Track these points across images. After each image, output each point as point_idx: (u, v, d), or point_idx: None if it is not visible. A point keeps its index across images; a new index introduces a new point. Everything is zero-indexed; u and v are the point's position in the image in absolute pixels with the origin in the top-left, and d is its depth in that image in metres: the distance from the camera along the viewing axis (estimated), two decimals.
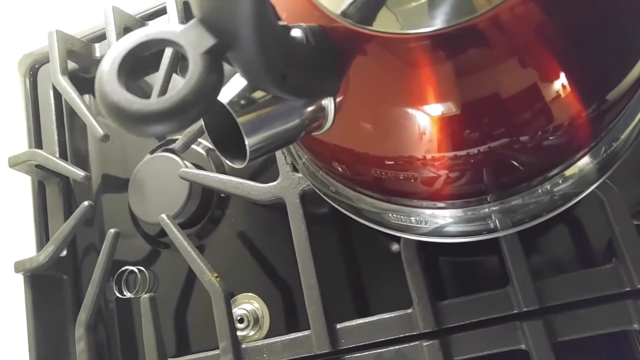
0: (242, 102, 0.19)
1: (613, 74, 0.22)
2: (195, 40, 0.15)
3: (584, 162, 0.25)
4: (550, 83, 0.20)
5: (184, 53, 0.16)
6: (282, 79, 0.17)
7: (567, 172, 0.25)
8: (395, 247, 0.34)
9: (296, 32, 0.19)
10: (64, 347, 0.39)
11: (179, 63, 0.40)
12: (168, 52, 0.36)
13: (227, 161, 0.21)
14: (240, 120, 0.19)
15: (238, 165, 0.20)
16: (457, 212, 0.26)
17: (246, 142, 0.19)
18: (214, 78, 0.15)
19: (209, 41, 0.15)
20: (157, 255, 0.40)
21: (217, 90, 0.15)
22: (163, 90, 0.33)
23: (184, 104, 0.15)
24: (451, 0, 0.19)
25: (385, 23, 0.20)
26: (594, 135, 0.24)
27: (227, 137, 0.21)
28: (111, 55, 0.16)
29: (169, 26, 0.16)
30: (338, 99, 0.21)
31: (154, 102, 0.15)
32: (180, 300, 0.39)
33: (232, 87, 0.19)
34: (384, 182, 0.24)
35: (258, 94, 0.19)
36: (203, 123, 0.20)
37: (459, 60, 0.20)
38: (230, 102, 0.19)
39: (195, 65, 0.15)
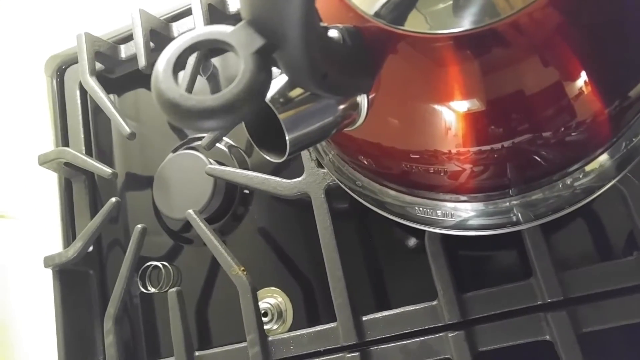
0: (282, 99, 0.20)
1: (634, 72, 0.22)
2: (245, 41, 0.16)
3: (604, 157, 0.25)
4: (572, 81, 0.21)
5: (234, 52, 0.16)
6: (323, 78, 0.18)
7: (588, 167, 0.25)
8: (412, 241, 0.35)
9: (333, 33, 0.20)
10: (91, 339, 0.40)
11: (202, 63, 0.41)
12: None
13: (266, 156, 0.21)
14: (281, 116, 0.19)
15: (276, 160, 0.21)
16: (480, 206, 0.27)
17: (287, 138, 0.20)
18: (264, 76, 0.16)
19: (258, 42, 0.16)
20: (180, 250, 0.41)
21: (267, 88, 0.16)
22: (189, 89, 0.33)
23: (237, 100, 0.15)
24: (477, 4, 0.20)
25: (415, 23, 0.20)
26: (615, 131, 0.24)
27: (263, 133, 0.22)
28: (166, 55, 0.16)
29: (219, 27, 0.17)
30: (371, 96, 0.22)
31: (209, 99, 0.16)
32: (202, 294, 0.40)
33: (273, 86, 0.20)
34: (409, 175, 0.25)
35: (296, 92, 0.20)
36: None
37: (485, 60, 0.20)
38: (272, 100, 0.20)
39: (246, 64, 0.16)
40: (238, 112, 0.16)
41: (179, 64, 0.16)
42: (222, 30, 0.17)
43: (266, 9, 0.16)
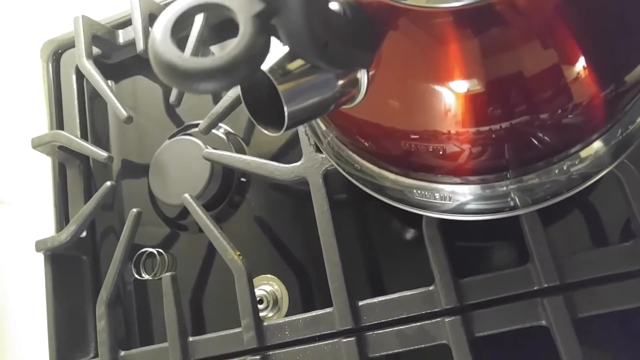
0: (281, 71, 0.20)
1: (632, 56, 0.22)
2: (244, 4, 0.16)
3: (599, 144, 0.25)
4: (571, 63, 0.21)
5: (233, 16, 0.16)
6: (323, 47, 0.18)
7: (583, 153, 0.25)
8: (409, 233, 0.35)
9: (334, 5, 0.20)
10: (83, 325, 0.39)
11: (203, 42, 0.41)
12: (193, 35, 0.37)
13: (263, 129, 0.21)
14: (280, 88, 0.19)
15: (273, 134, 0.21)
16: (477, 189, 0.27)
17: (285, 110, 0.20)
18: (263, 40, 0.16)
19: (258, 5, 0.16)
20: (176, 237, 0.41)
21: (266, 52, 0.16)
22: (195, 54, 0.33)
23: (236, 62, 0.15)
24: None
25: None
26: (611, 117, 0.24)
27: (261, 107, 0.21)
28: (164, 18, 0.16)
29: None
30: (370, 73, 0.22)
31: (208, 60, 0.15)
32: (197, 282, 0.39)
33: (271, 57, 0.20)
34: (408, 155, 0.25)
35: (296, 64, 0.20)
36: (240, 91, 0.21)
37: (485, 37, 0.20)
38: (271, 70, 0.19)
39: (245, 27, 0.16)
40: (236, 74, 0.15)
41: (177, 27, 0.16)
42: None
43: None
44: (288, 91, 0.20)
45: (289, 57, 0.20)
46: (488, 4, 0.19)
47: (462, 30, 0.20)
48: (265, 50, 0.16)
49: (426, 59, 0.22)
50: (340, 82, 0.21)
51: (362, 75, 0.22)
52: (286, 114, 0.20)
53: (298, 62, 0.20)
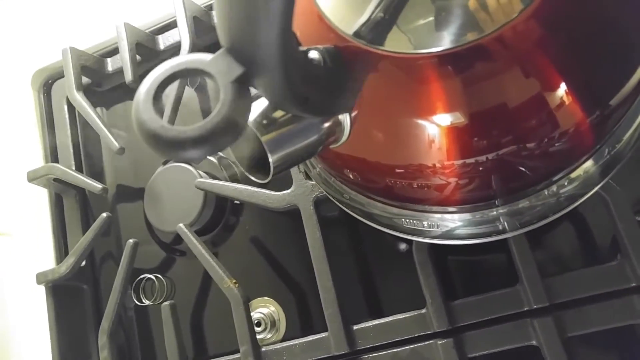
0: (265, 122, 0.20)
1: (615, 81, 0.23)
2: (224, 69, 0.16)
3: (589, 164, 0.26)
4: (555, 93, 0.21)
5: (214, 82, 0.17)
6: (304, 101, 0.18)
7: (572, 175, 0.26)
8: (403, 246, 0.36)
9: (314, 54, 0.20)
10: (86, 354, 0.40)
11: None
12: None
13: (251, 177, 0.22)
14: (264, 139, 0.20)
15: (261, 180, 0.22)
16: (466, 216, 0.27)
17: (270, 160, 0.20)
18: (244, 104, 0.16)
19: (237, 70, 0.16)
20: (173, 262, 0.41)
21: (247, 116, 0.17)
22: (171, 120, 0.34)
23: (218, 130, 0.16)
24: (458, 21, 0.20)
25: (396, 42, 0.21)
26: (598, 139, 0.25)
27: (249, 154, 0.22)
28: (146, 85, 0.17)
29: (198, 56, 0.17)
30: (353, 114, 0.22)
31: (190, 130, 0.16)
32: (196, 306, 0.40)
33: (255, 108, 0.20)
34: (395, 189, 0.25)
35: (279, 114, 0.20)
36: None
37: (467, 76, 0.21)
38: (254, 122, 0.20)
39: (225, 93, 0.16)
40: (219, 142, 0.16)
41: (159, 94, 0.16)
42: (201, 59, 0.17)
43: (244, 37, 0.16)
44: (272, 141, 0.20)
45: (271, 107, 0.20)
46: (471, 46, 0.20)
47: (445, 70, 0.21)
48: (246, 114, 0.17)
49: (409, 98, 0.22)
50: (324, 125, 0.22)
51: (345, 118, 0.22)
52: (271, 162, 0.20)
53: (280, 112, 0.20)
